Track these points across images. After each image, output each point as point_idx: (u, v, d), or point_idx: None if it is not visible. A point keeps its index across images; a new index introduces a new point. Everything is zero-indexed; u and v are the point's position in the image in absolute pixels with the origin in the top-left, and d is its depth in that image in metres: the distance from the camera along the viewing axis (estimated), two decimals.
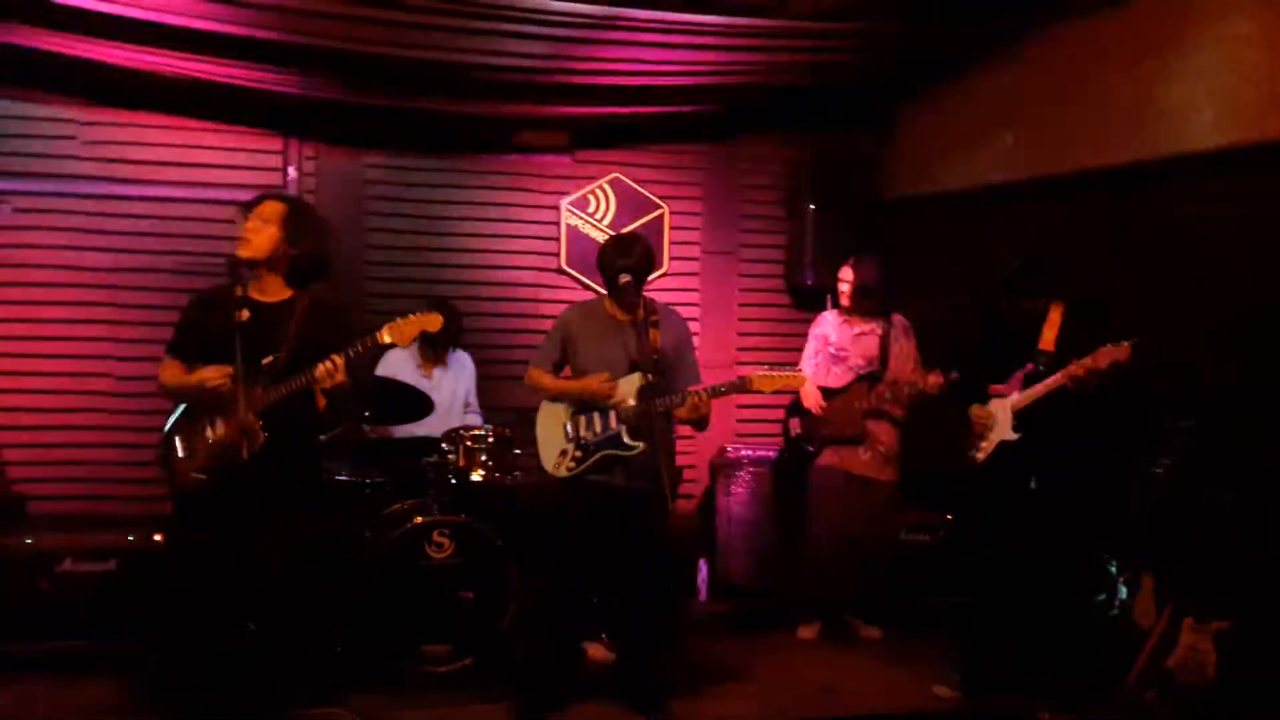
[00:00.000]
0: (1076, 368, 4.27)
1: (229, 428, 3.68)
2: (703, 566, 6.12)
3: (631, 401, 4.29)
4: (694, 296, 6.59)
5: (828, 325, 5.67)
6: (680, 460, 6.32)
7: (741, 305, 6.68)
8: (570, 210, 6.35)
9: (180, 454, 3.78)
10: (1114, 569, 4.53)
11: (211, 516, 3.77)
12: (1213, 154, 4.42)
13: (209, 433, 3.76)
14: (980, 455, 4.59)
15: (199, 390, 3.72)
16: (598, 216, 6.39)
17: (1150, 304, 4.80)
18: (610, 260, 4.34)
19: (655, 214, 6.48)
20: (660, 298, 6.27)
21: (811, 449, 5.53)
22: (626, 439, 4.29)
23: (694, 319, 6.56)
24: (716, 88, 5.86)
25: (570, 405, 4.41)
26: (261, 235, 3.77)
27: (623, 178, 6.44)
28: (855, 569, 5.51)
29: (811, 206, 6.33)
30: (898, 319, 5.56)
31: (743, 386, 4.41)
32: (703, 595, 6.11)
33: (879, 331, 5.52)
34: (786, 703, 4.58)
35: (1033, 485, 4.41)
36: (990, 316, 4.74)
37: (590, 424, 4.35)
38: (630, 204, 6.44)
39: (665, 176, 6.55)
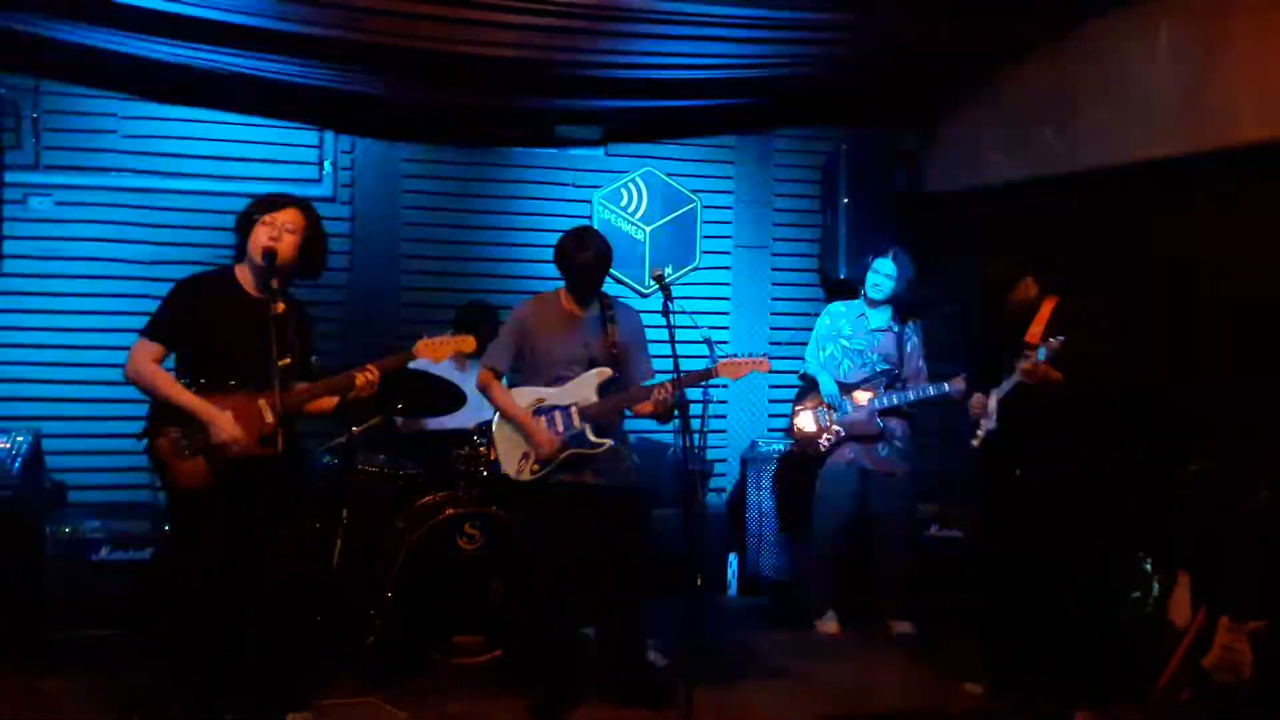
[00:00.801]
0: (1025, 363, 4.28)
1: (263, 428, 3.68)
2: (733, 561, 6.12)
3: (594, 398, 4.26)
4: (726, 291, 6.58)
5: (840, 318, 5.62)
6: (711, 454, 6.35)
7: (774, 299, 6.66)
8: (603, 204, 6.36)
9: (181, 451, 3.70)
10: (1149, 566, 4.49)
11: (215, 516, 3.74)
12: (1255, 147, 4.35)
13: (206, 439, 3.70)
14: (975, 443, 4.64)
15: (192, 415, 3.67)
16: (630, 210, 6.39)
17: (1187, 298, 4.75)
18: (569, 253, 4.27)
19: (687, 207, 6.47)
20: (692, 291, 6.37)
21: (824, 443, 5.50)
22: (591, 436, 4.26)
23: (725, 313, 6.56)
24: (754, 81, 5.83)
25: (528, 406, 4.34)
26: (286, 243, 3.82)
27: (655, 171, 6.43)
28: (880, 566, 5.51)
29: (845, 200, 6.29)
30: (910, 318, 5.58)
31: (708, 375, 4.36)
32: (733, 590, 6.11)
33: (895, 328, 5.50)
34: (816, 698, 4.57)
35: (1017, 474, 4.43)
36: (988, 309, 4.74)
37: (552, 424, 4.29)
38: (662, 197, 6.44)
39: (698, 170, 6.55)
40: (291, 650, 3.95)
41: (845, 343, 5.56)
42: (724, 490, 6.47)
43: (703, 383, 4.41)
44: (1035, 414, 4.39)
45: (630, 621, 4.40)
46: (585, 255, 4.23)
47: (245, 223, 3.84)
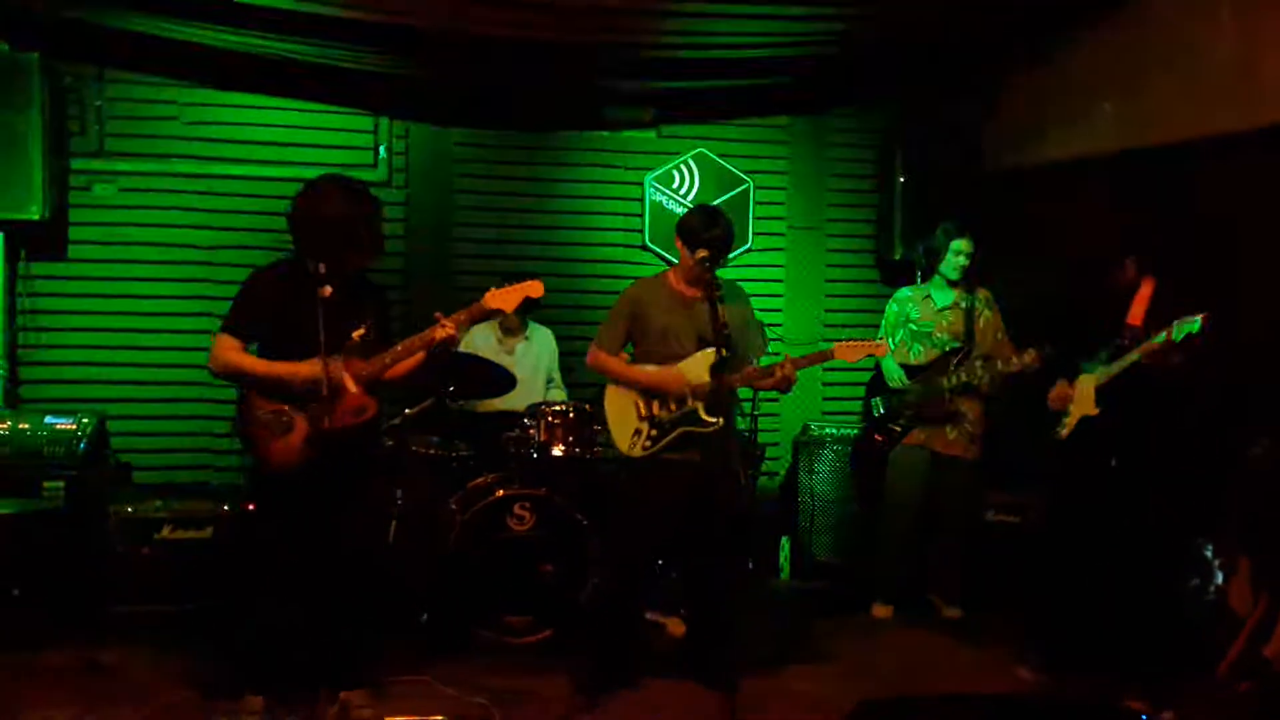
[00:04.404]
0: (1150, 343, 4.15)
1: (340, 405, 3.70)
2: (786, 544, 6.10)
3: (705, 377, 4.26)
4: (779, 273, 6.54)
5: (907, 303, 5.56)
6: (764, 437, 6.31)
7: (828, 281, 6.60)
8: (655, 186, 6.34)
9: (271, 436, 3.76)
10: (1210, 553, 4.39)
11: (297, 492, 3.80)
12: None
13: (299, 416, 3.75)
14: (1064, 432, 4.52)
15: (290, 381, 3.73)
16: (682, 192, 6.36)
17: (1255, 279, 4.61)
18: (695, 230, 4.24)
19: (740, 189, 6.43)
20: (745, 274, 6.33)
21: (898, 429, 5.44)
22: (704, 415, 4.25)
23: (779, 295, 6.52)
24: (806, 59, 5.74)
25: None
26: None
27: (707, 153, 6.40)
28: (938, 548, 5.45)
29: (901, 179, 6.21)
30: (981, 291, 5.46)
31: (826, 357, 4.35)
32: (785, 573, 6.09)
33: (963, 305, 5.41)
34: (867, 682, 4.52)
35: (1113, 463, 4.31)
36: (1081, 291, 4.63)
37: (665, 402, 4.30)
38: (715, 179, 6.40)
39: (750, 151, 6.50)
40: (351, 628, 4.00)
41: (914, 327, 5.49)
42: (776, 474, 6.44)
43: (821, 364, 4.42)
44: (1143, 400, 4.27)
45: (727, 602, 4.36)
46: (711, 233, 4.21)
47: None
